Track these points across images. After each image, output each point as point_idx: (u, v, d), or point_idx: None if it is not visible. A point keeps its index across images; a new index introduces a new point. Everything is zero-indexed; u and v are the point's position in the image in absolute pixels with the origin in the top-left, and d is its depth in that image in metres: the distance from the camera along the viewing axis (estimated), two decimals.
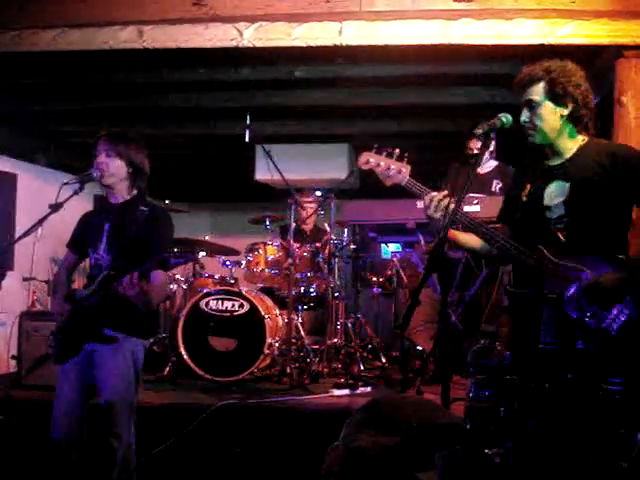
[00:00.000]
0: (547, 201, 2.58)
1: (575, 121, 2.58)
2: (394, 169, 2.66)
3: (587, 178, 2.52)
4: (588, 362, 2.40)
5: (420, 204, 4.34)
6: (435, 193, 2.63)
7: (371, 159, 2.70)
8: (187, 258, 2.86)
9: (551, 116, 2.56)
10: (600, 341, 2.39)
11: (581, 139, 2.61)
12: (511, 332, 2.76)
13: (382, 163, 2.68)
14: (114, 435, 3.00)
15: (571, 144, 2.61)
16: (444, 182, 5.06)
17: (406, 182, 2.67)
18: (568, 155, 2.61)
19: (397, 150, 2.69)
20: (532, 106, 2.56)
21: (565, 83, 2.53)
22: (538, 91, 2.55)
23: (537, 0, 3.86)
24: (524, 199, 2.64)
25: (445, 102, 5.53)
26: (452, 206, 2.55)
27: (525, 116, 2.58)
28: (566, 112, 2.55)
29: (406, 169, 2.66)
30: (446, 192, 2.63)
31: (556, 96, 2.54)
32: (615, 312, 2.40)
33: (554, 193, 2.57)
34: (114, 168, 3.13)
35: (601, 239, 2.50)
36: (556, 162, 2.63)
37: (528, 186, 2.64)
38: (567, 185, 2.54)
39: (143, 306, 2.98)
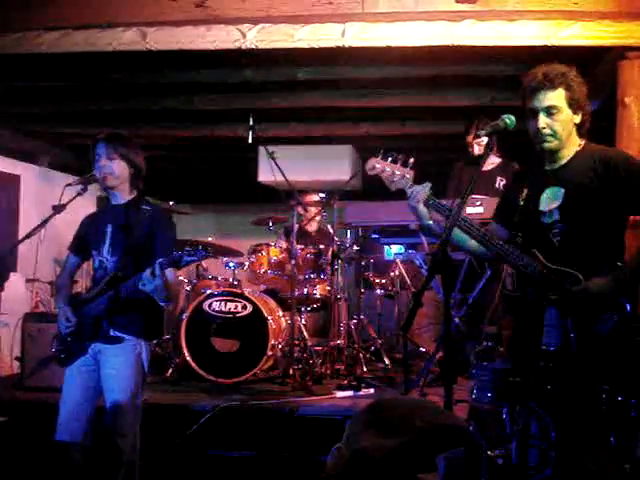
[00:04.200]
0: (543, 206, 2.59)
1: (580, 128, 2.59)
2: (398, 175, 2.65)
3: (581, 184, 2.53)
4: (583, 364, 2.41)
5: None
6: (416, 185, 2.63)
7: (377, 164, 2.68)
8: (200, 256, 2.81)
9: (568, 123, 2.55)
10: (591, 344, 2.41)
11: (577, 144, 2.61)
12: (512, 334, 2.76)
13: (387, 169, 2.67)
14: (120, 436, 2.99)
15: (569, 150, 2.60)
16: (449, 182, 5.06)
17: (408, 188, 2.65)
18: (564, 161, 2.61)
19: (402, 156, 2.68)
20: (552, 112, 2.52)
21: (578, 91, 2.53)
22: (559, 97, 2.52)
23: (540, 1, 3.84)
24: (521, 203, 2.64)
25: (448, 104, 5.52)
26: (446, 205, 2.56)
27: (543, 121, 2.53)
28: (578, 120, 2.56)
29: (410, 175, 2.65)
30: (427, 184, 2.62)
31: (573, 103, 2.53)
32: (605, 316, 2.41)
33: (549, 199, 2.57)
34: (117, 170, 3.11)
35: (596, 245, 2.50)
36: (552, 167, 2.63)
37: (525, 190, 2.64)
38: (562, 191, 2.55)
39: (163, 299, 2.95)
